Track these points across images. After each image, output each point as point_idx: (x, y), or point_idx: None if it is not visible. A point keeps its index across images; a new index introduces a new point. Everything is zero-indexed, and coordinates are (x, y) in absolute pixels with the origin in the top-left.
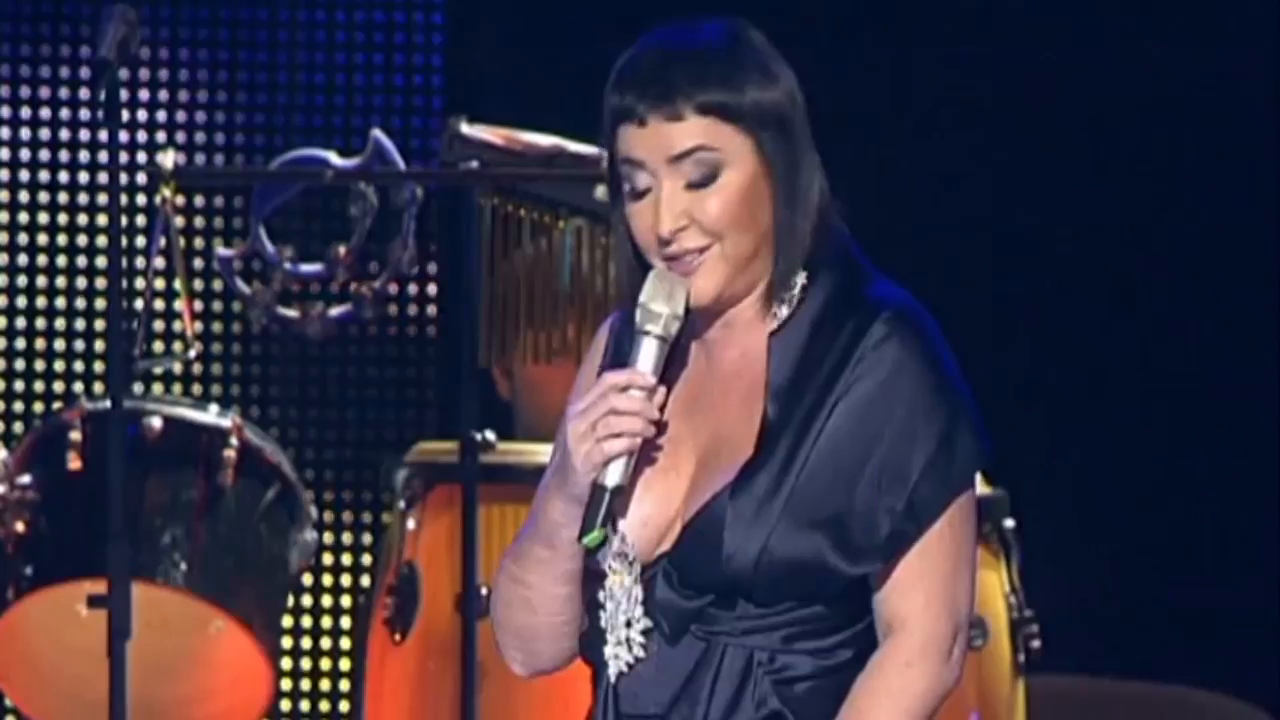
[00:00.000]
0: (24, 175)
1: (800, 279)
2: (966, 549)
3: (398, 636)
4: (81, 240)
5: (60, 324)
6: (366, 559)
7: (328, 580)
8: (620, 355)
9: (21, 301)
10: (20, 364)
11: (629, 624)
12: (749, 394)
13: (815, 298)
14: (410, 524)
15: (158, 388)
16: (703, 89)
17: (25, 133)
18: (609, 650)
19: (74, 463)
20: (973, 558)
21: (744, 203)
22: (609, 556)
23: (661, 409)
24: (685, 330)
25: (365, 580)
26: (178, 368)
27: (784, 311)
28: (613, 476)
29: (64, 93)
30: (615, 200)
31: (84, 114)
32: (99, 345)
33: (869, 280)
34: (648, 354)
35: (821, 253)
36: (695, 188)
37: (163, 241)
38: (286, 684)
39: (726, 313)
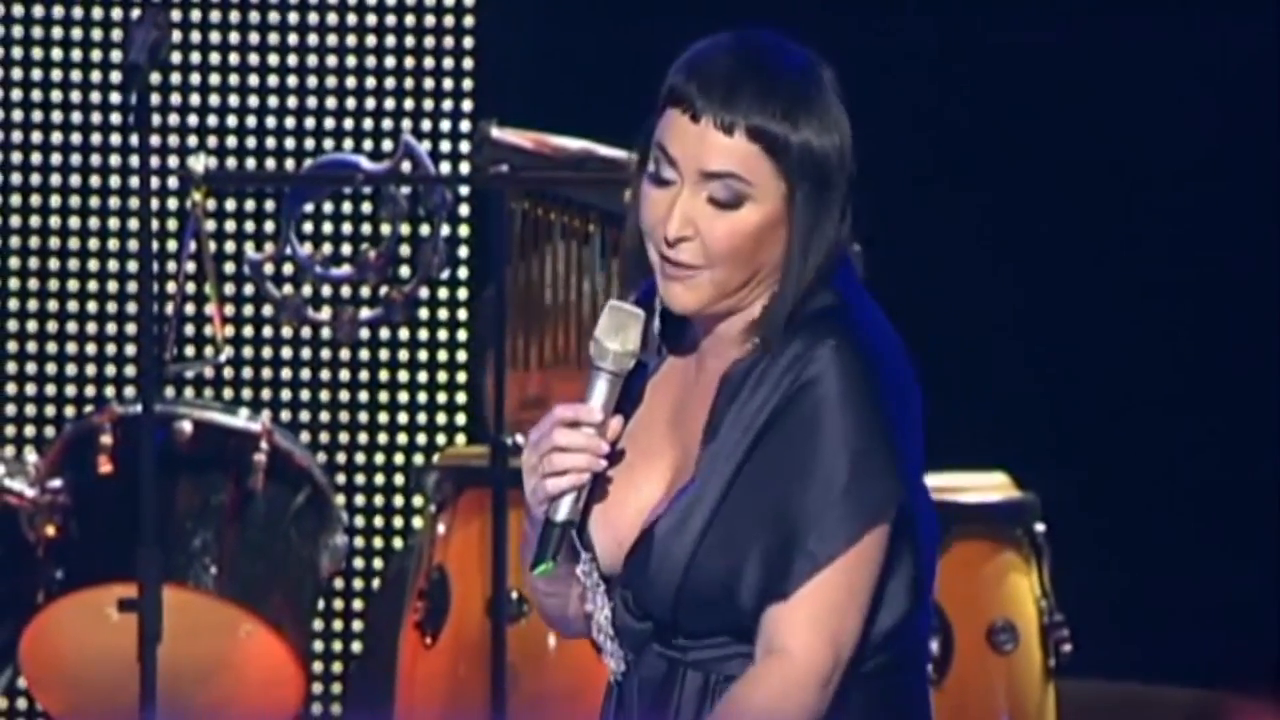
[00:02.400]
0: (55, 179)
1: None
2: (862, 584)
3: (428, 640)
4: (113, 244)
5: (91, 328)
6: None
7: (358, 584)
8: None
9: (53, 305)
10: (51, 367)
11: (609, 639)
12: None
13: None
14: (440, 528)
15: (188, 391)
16: (762, 112)
17: (56, 137)
18: (604, 658)
19: (105, 466)
20: (867, 596)
21: (752, 241)
22: (583, 575)
23: (615, 442)
24: (686, 333)
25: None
26: (208, 371)
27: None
28: (562, 512)
29: (95, 97)
30: (641, 168)
31: (115, 118)
32: (130, 349)
33: (833, 307)
34: (599, 391)
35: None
36: (714, 204)
37: (193, 245)
38: (317, 687)
39: (719, 325)
